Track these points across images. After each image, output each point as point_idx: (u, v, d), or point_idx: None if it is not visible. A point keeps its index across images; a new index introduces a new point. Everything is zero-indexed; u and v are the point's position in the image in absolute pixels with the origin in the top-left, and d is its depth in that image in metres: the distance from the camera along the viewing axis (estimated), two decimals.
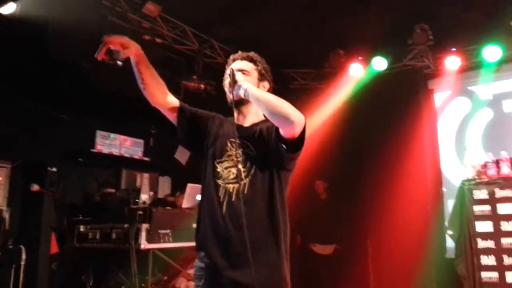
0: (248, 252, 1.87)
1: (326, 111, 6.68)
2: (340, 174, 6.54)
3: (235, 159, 2.07)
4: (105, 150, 6.03)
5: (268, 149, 2.06)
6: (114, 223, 4.37)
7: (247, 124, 2.20)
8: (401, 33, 6.00)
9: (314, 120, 6.52)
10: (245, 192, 2.02)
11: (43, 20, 4.40)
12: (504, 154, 4.87)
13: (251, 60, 2.27)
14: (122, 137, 6.23)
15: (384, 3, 5.07)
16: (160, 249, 4.27)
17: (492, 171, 4.84)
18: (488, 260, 4.62)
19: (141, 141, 6.48)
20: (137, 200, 4.55)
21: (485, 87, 6.20)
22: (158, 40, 5.77)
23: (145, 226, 4.13)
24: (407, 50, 6.34)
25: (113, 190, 5.29)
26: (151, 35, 5.67)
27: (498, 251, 4.58)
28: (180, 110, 2.20)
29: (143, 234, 4.09)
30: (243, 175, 2.05)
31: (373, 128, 6.48)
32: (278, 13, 5.42)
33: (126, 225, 4.21)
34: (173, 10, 5.56)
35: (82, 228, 4.67)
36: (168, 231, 4.28)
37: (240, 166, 2.06)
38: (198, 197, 2.30)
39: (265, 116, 2.18)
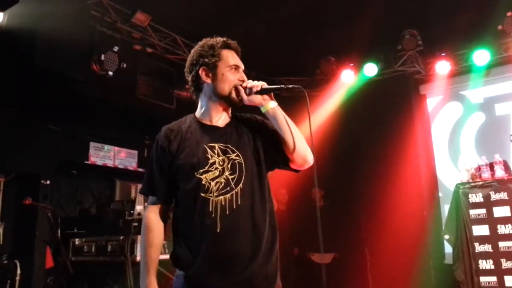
0: (252, 267, 1.76)
1: (319, 118, 6.67)
2: (335, 181, 6.49)
3: (219, 167, 1.84)
4: (99, 161, 5.97)
5: (257, 153, 1.92)
6: (109, 235, 4.32)
7: (221, 124, 1.97)
8: (391, 39, 6.05)
9: (307, 127, 6.51)
10: (239, 202, 1.80)
11: (31, 31, 4.36)
12: (497, 157, 4.90)
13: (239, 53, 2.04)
14: (116, 148, 6.19)
15: (373, 11, 5.10)
16: None
17: (486, 174, 4.86)
18: (486, 264, 4.62)
19: (135, 152, 6.43)
20: (132, 211, 4.49)
21: (476, 91, 6.25)
22: (149, 50, 5.77)
23: (140, 237, 4.07)
24: (397, 56, 6.38)
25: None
26: (142, 45, 5.67)
27: (496, 255, 4.58)
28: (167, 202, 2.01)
29: (139, 246, 4.02)
30: (232, 183, 1.82)
31: (366, 135, 6.50)
32: (269, 22, 5.45)
33: (121, 237, 4.16)
34: (163, 19, 5.56)
35: (77, 241, 4.61)
36: (164, 242, 4.23)
37: (227, 173, 1.83)
38: None
39: (235, 114, 2.03)
